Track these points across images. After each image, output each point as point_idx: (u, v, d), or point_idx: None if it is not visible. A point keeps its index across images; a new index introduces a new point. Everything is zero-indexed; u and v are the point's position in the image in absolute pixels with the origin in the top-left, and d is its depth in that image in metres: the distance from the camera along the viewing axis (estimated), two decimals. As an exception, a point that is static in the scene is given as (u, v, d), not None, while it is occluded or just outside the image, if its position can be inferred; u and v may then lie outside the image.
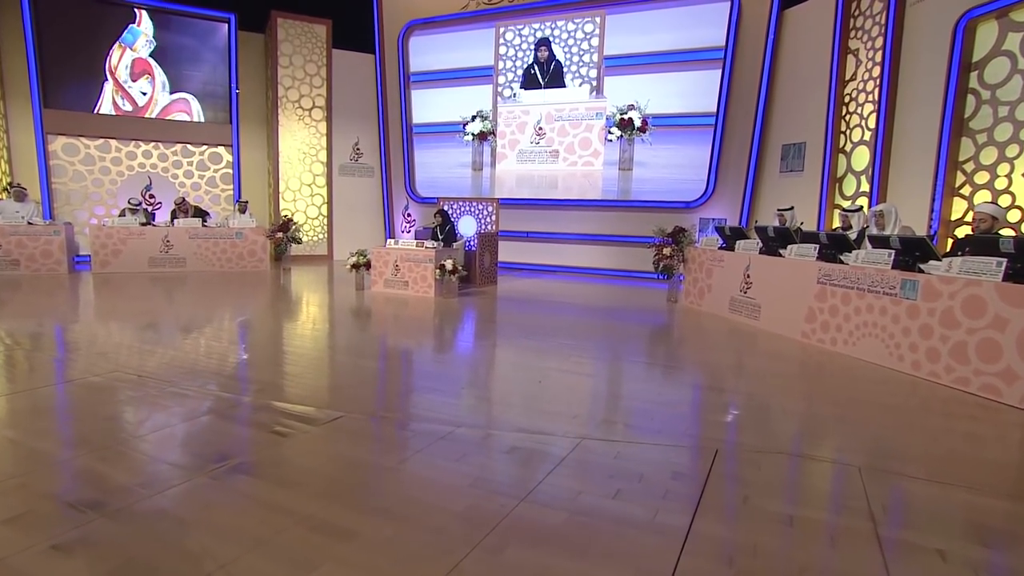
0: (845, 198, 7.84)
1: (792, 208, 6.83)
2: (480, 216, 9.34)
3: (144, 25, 10.94)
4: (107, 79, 10.76)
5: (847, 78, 7.86)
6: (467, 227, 9.37)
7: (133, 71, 11.01)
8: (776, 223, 6.69)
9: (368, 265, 8.17)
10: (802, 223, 6.67)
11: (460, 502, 2.36)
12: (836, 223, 7.32)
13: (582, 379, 4.24)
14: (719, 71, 9.58)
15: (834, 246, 5.37)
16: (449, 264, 7.55)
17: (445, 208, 9.13)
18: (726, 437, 3.19)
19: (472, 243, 9.08)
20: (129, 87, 10.93)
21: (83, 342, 4.95)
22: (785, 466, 2.83)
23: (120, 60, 10.86)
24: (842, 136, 7.96)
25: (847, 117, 7.88)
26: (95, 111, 10.69)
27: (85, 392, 3.64)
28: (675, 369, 4.64)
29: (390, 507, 2.31)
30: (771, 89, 9.27)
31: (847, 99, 7.87)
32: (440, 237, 8.38)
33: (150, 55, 11.03)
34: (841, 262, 5.19)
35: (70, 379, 3.88)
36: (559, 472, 2.65)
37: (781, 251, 5.93)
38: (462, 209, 9.46)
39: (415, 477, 2.58)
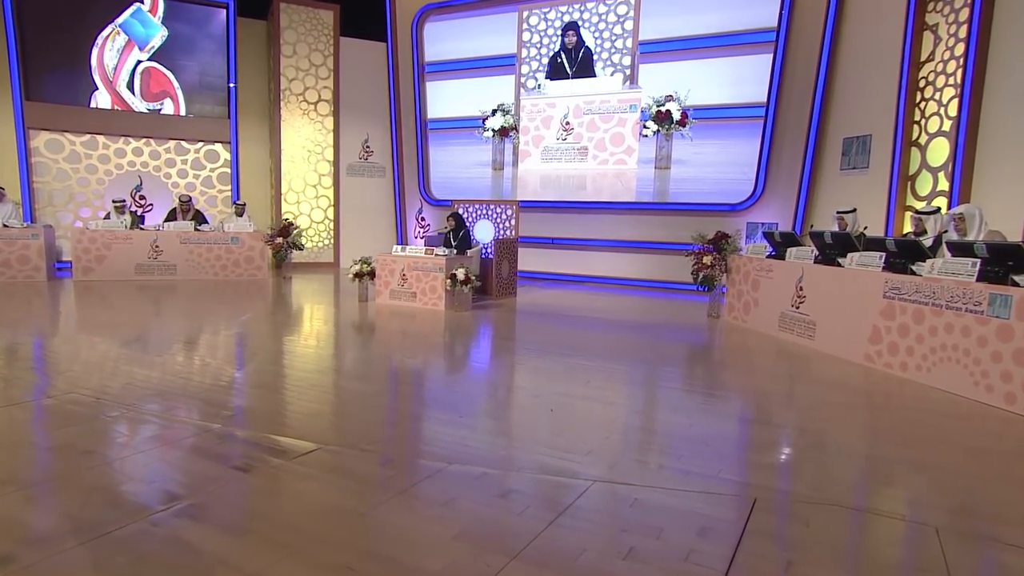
0: (919, 199, 7.57)
1: (854, 210, 6.64)
2: (498, 220, 9.27)
3: (159, 14, 11.12)
4: (97, 87, 10.93)
5: (923, 59, 7.58)
6: (484, 232, 9.29)
7: (148, 88, 11.18)
8: (835, 228, 6.53)
9: (373, 274, 8.16)
10: (866, 228, 6.43)
11: (438, 559, 2.19)
12: (907, 228, 7.09)
13: (602, 407, 4.09)
14: (770, 55, 9.38)
15: (904, 254, 5.17)
16: (461, 273, 7.47)
17: (459, 211, 9.10)
18: (769, 483, 2.97)
19: (489, 250, 8.97)
20: (131, 98, 11.13)
21: (45, 358, 4.95)
22: (841, 522, 2.58)
23: (122, 63, 11.03)
24: (916, 127, 7.69)
25: (922, 104, 7.60)
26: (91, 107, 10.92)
27: (31, 417, 3.59)
28: (713, 397, 4.46)
29: (353, 564, 2.15)
30: (831, 74, 9.03)
31: (922, 83, 7.59)
32: (453, 243, 8.35)
33: (153, 57, 11.20)
34: (913, 273, 5.00)
35: (17, 401, 3.83)
36: (562, 523, 2.47)
37: (840, 260, 5.78)
38: (479, 212, 9.43)
39: (389, 526, 2.42)
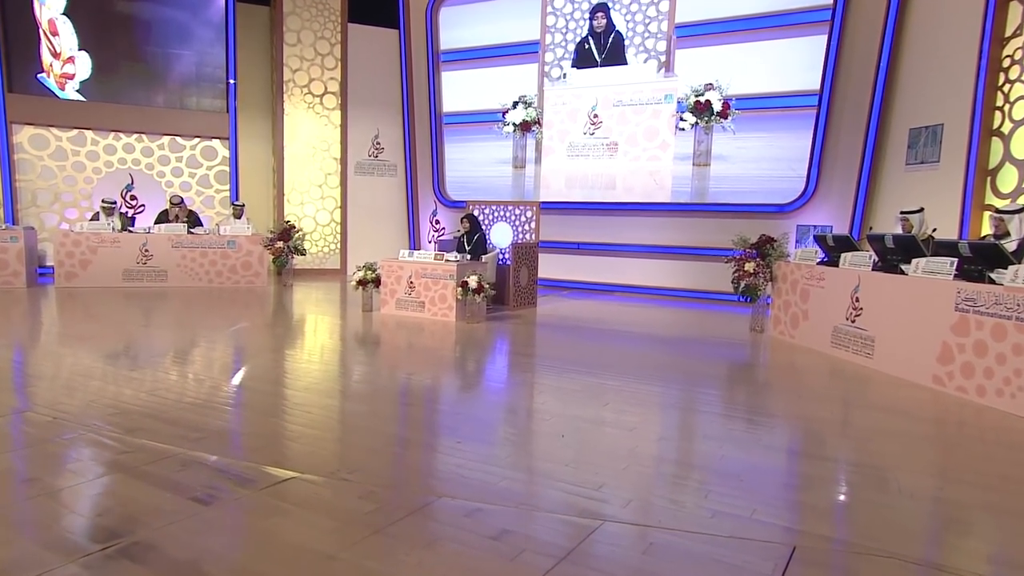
0: (1000, 196, 7.38)
1: (921, 210, 6.52)
2: (517, 223, 9.24)
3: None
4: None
5: (1007, 35, 7.40)
6: (501, 236, 9.26)
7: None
8: (898, 230, 6.42)
9: (377, 282, 8.17)
10: (935, 230, 6.32)
11: (409, 615, 2.06)
12: (986, 230, 6.95)
13: (623, 434, 3.95)
14: (824, 37, 9.25)
15: (982, 260, 5.00)
16: (473, 281, 7.43)
17: (475, 213, 9.11)
18: (812, 528, 2.80)
19: (506, 256, 8.93)
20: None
21: (8, 373, 4.97)
22: (901, 579, 2.40)
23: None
24: (997, 113, 7.51)
25: (1005, 88, 7.41)
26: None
27: (-24, 437, 3.54)
28: (752, 424, 4.29)
29: (308, 619, 2.02)
30: (895, 56, 8.87)
31: (1006, 63, 7.40)
32: (467, 248, 8.38)
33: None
34: (992, 281, 4.81)
35: (-35, 419, 3.79)
36: (562, 571, 2.33)
37: (904, 267, 5.66)
38: (496, 214, 9.43)
39: (357, 572, 2.30)
